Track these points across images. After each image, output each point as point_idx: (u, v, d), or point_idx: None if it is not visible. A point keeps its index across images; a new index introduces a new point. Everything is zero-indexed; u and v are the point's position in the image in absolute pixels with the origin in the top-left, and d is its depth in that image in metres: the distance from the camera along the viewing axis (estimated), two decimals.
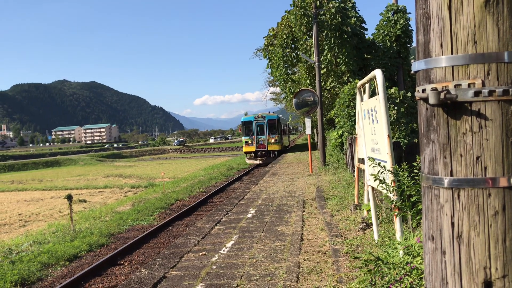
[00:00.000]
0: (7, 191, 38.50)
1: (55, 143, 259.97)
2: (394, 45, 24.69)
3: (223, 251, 7.50)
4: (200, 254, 7.38)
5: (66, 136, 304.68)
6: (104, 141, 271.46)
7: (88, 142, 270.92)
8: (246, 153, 38.36)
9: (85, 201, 26.53)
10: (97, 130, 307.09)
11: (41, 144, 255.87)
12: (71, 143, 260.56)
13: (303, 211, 10.78)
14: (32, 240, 13.20)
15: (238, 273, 6.20)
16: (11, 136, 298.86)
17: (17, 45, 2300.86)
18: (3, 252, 11.66)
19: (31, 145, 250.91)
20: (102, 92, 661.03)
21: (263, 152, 37.28)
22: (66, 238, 13.21)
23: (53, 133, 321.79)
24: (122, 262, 11.16)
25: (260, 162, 36.68)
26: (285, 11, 30.36)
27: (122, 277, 9.90)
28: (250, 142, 37.14)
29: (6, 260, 10.96)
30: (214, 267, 6.60)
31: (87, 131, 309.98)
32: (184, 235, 9.00)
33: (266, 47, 33.70)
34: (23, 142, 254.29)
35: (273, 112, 41.91)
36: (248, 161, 38.18)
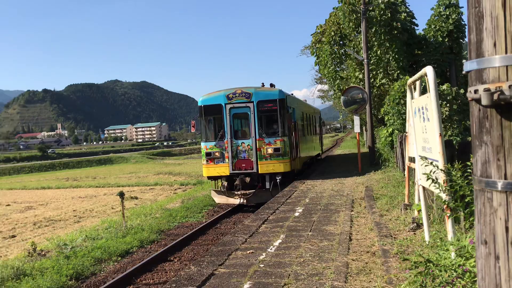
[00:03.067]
0: (63, 188, 39.93)
1: (108, 142, 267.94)
2: (446, 40, 24.01)
3: (271, 249, 7.52)
4: (248, 252, 7.43)
5: (118, 134, 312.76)
6: (155, 139, 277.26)
7: (139, 140, 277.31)
8: (211, 179, 18.77)
9: (136, 198, 27.19)
10: (148, 128, 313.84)
11: (94, 143, 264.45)
12: (123, 141, 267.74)
13: (352, 211, 10.67)
14: (85, 235, 13.65)
15: (285, 272, 6.21)
16: (66, 134, 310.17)
17: (71, 46, 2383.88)
18: (59, 247, 12.13)
19: (84, 143, 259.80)
20: (153, 92, 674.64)
21: (247, 179, 17.52)
22: (118, 234, 13.60)
23: (105, 131, 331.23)
24: (172, 259, 11.39)
25: (242, 201, 17.22)
26: (333, 8, 30.10)
27: (172, 273, 10.09)
28: (217, 154, 17.61)
29: (62, 255, 11.39)
30: (261, 265, 6.63)
31: (138, 129, 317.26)
32: (232, 233, 9.08)
33: (313, 45, 33.48)
34: (77, 140, 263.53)
35: (272, 85, 19.72)
36: (217, 199, 18.13)
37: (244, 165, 17.42)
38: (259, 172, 17.31)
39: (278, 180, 17.10)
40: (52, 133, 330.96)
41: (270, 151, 17.21)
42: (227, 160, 17.40)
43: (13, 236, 17.63)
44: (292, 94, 21.79)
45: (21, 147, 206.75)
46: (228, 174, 17.48)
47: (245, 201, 17.14)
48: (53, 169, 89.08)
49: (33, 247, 12.11)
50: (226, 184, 17.70)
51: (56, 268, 10.19)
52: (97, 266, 10.92)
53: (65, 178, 52.71)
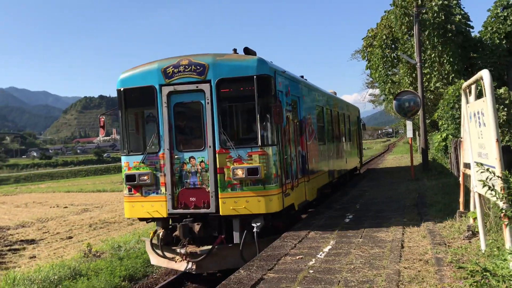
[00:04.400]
0: (117, 191, 41.04)
1: None
2: (503, 42, 23.18)
3: (320, 255, 7.46)
4: (297, 257, 7.40)
5: None
6: None
7: None
8: (142, 220, 10.66)
9: None
10: None
11: None
12: None
13: (404, 217, 10.44)
14: (138, 237, 13.96)
15: (335, 279, 6.14)
16: None
17: (126, 53, 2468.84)
18: (113, 249, 12.47)
19: None
20: None
21: (197, 227, 9.20)
22: None
23: None
24: None
25: (190, 266, 9.26)
26: (385, 11, 29.82)
27: (222, 277, 10.17)
28: (147, 179, 9.59)
29: (115, 256, 11.72)
30: (311, 271, 6.59)
31: None
32: (281, 238, 9.06)
33: (364, 49, 33.24)
34: None
35: (249, 51, 9.98)
36: (152, 258, 10.08)
37: (193, 199, 9.47)
38: (221, 212, 9.23)
39: (255, 229, 9.16)
40: (108, 138, 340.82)
41: (240, 173, 9.12)
42: (163, 189, 9.57)
43: (70, 237, 18.29)
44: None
45: (78, 151, 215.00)
46: (165, 215, 9.62)
47: (194, 266, 9.33)
48: (108, 173, 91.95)
49: (88, 248, 12.54)
50: (161, 234, 9.72)
51: (110, 269, 10.50)
52: (149, 268, 11.16)
53: (119, 181, 54.12)
